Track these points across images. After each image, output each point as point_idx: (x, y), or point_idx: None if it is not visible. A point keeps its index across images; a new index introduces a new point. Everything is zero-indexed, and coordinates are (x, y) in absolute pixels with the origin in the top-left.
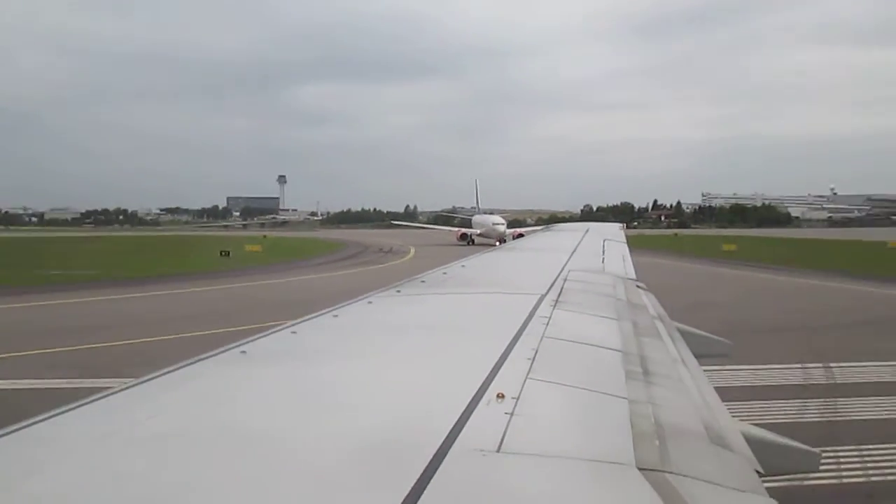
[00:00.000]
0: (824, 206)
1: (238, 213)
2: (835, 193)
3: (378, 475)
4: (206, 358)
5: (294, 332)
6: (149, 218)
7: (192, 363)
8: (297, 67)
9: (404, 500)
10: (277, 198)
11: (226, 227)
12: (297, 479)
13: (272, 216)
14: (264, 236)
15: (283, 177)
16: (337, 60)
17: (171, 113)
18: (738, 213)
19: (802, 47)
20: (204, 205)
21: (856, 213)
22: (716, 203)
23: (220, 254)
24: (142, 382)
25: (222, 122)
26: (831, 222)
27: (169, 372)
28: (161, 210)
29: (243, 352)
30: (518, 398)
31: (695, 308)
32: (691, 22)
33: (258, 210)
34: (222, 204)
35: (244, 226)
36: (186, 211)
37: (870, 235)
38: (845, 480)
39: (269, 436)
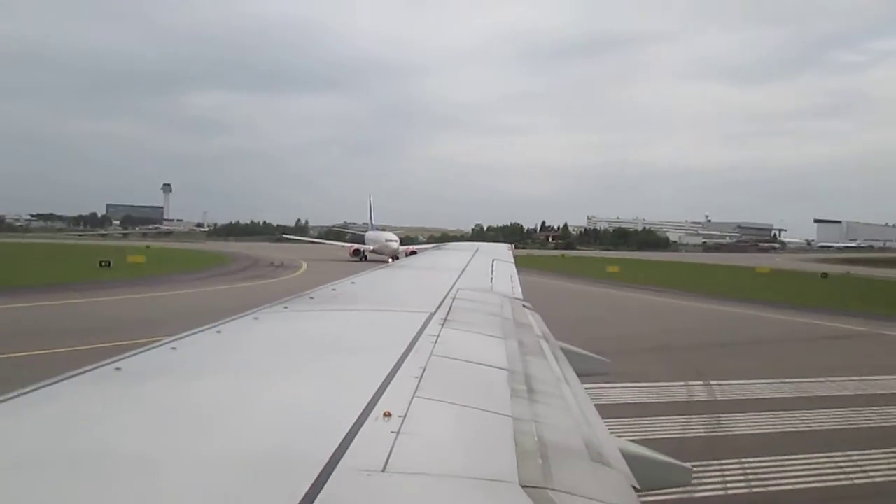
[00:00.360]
0: (699, 231)
1: (118, 222)
2: (709, 220)
3: (261, 496)
4: (77, 375)
5: (174, 349)
6: (18, 224)
7: (60, 381)
8: (186, 74)
9: None
10: (162, 207)
11: (104, 235)
12: (178, 501)
13: (155, 226)
14: (147, 247)
15: (169, 185)
16: (227, 69)
17: (44, 114)
18: (621, 237)
19: (680, 82)
20: (81, 212)
21: (727, 239)
22: (600, 226)
23: (100, 264)
24: (2, 402)
25: (103, 126)
26: (705, 247)
27: (35, 390)
28: (32, 216)
29: (118, 368)
30: (405, 417)
31: (582, 324)
32: (580, 52)
33: (140, 219)
34: (101, 211)
35: (125, 235)
36: (61, 218)
37: (740, 261)
38: (730, 492)
39: (145, 457)
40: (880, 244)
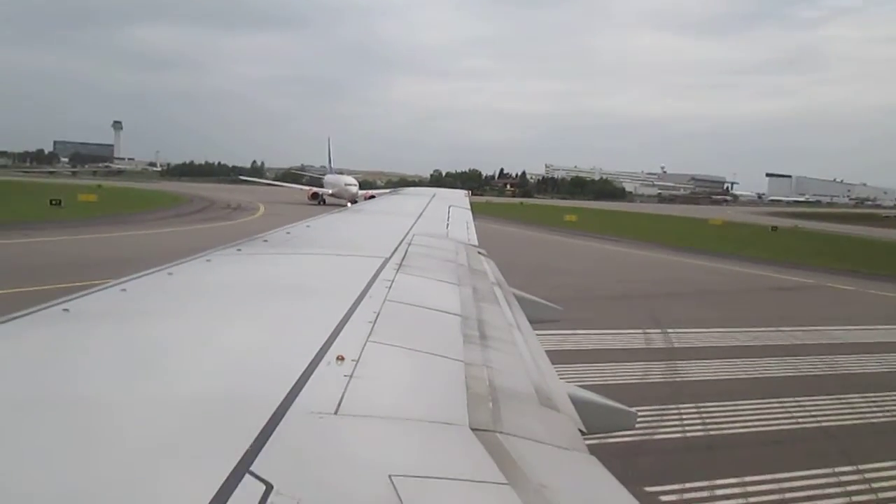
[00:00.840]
0: (655, 182)
1: (67, 160)
2: (664, 172)
3: (213, 438)
4: (23, 316)
5: (124, 290)
6: None
7: (5, 321)
8: (139, 6)
9: (239, 462)
10: (112, 145)
11: (52, 173)
12: (128, 443)
13: (106, 164)
14: (99, 186)
15: (119, 123)
16: (183, 1)
17: None
18: (578, 186)
19: (641, 32)
20: (27, 148)
21: (681, 191)
22: (558, 175)
23: (51, 203)
24: None
25: (49, 60)
26: (660, 198)
27: None
28: None
29: (66, 310)
30: (358, 361)
31: (541, 273)
32: None
33: (90, 157)
34: (48, 148)
35: (74, 173)
36: (5, 154)
37: (694, 213)
38: (689, 435)
39: (96, 399)
40: (828, 199)
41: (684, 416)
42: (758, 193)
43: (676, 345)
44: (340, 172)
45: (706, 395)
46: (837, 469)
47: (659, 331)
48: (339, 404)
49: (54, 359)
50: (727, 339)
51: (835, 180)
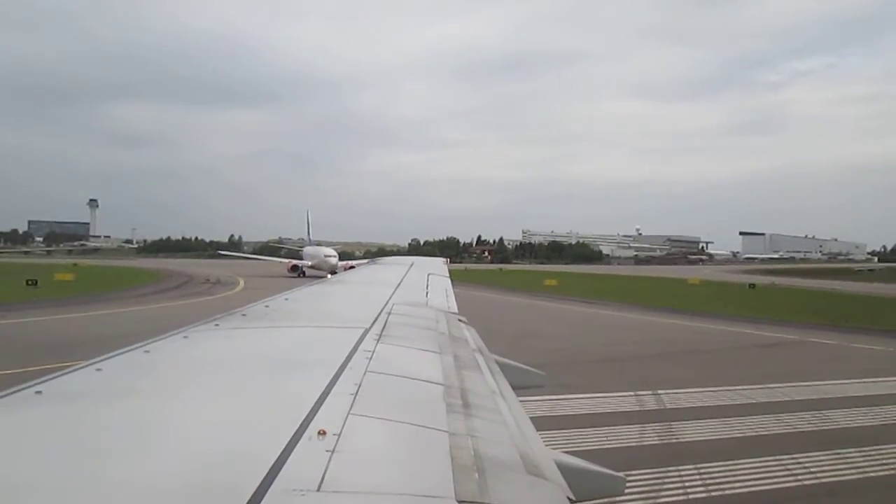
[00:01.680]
0: (631, 244)
1: (41, 239)
2: (640, 233)
3: None
4: None
5: (99, 370)
6: None
7: None
8: (112, 84)
9: None
10: (88, 223)
11: (26, 253)
12: None
13: (81, 243)
14: (75, 264)
15: (95, 201)
16: (158, 80)
17: None
18: (556, 250)
19: (611, 98)
20: (0, 228)
21: (658, 252)
22: (535, 240)
23: (27, 283)
24: None
25: (19, 139)
26: (637, 260)
27: None
28: None
29: (38, 392)
30: (340, 434)
31: (530, 338)
32: (515, 69)
33: (65, 236)
34: (23, 228)
35: (49, 252)
36: None
37: (671, 273)
38: (691, 497)
39: (67, 487)
40: (801, 255)
41: (685, 478)
42: (732, 252)
43: (668, 405)
44: (319, 244)
45: (703, 456)
46: None
47: (650, 392)
48: (322, 481)
49: (25, 444)
50: (718, 398)
51: (806, 237)
